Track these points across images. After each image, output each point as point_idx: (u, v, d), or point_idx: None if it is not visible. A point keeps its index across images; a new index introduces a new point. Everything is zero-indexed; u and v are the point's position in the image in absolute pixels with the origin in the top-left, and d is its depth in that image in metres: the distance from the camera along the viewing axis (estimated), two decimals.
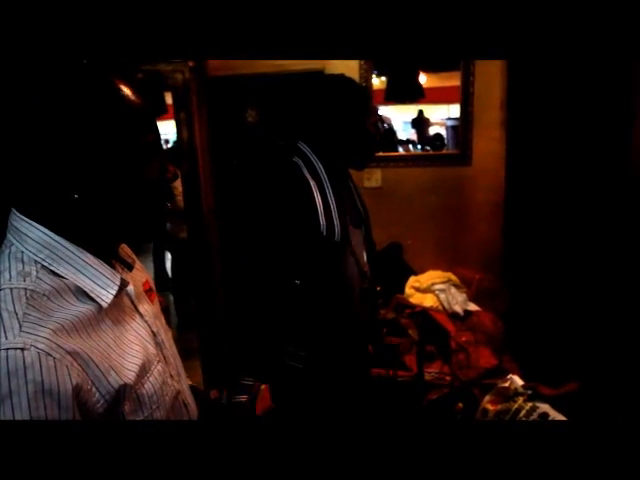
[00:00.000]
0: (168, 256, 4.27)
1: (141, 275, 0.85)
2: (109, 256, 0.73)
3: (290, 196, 1.32)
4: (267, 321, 1.46)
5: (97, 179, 0.65)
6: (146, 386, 0.68)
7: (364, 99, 1.42)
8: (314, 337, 1.37)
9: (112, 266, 0.72)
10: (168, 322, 0.94)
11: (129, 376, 0.65)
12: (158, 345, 0.77)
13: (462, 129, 2.65)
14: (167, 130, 5.32)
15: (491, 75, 2.56)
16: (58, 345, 0.57)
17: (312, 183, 1.32)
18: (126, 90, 0.67)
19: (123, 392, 0.64)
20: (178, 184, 2.82)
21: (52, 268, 0.64)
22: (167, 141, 6.07)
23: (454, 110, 4.12)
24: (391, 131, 5.18)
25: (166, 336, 0.83)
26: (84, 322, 0.63)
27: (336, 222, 1.33)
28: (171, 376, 0.78)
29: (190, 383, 0.95)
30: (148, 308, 0.79)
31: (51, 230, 0.65)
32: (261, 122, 2.73)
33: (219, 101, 2.73)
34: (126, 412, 0.65)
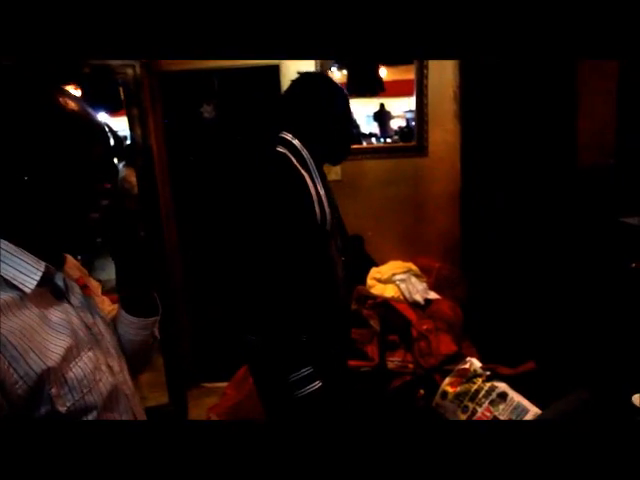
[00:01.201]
0: None
1: (74, 272, 0.86)
2: (40, 250, 0.73)
3: (285, 186, 1.33)
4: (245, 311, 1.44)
5: (23, 183, 0.68)
6: (74, 370, 0.69)
7: (348, 99, 1.48)
8: (311, 323, 1.37)
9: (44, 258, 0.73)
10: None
11: (53, 358, 0.66)
12: (93, 336, 0.78)
13: (417, 121, 2.69)
14: (124, 126, 5.16)
15: (444, 68, 2.61)
16: None
17: (303, 173, 1.35)
18: (67, 106, 0.71)
19: (47, 375, 0.65)
20: (133, 182, 2.75)
21: None
22: (125, 137, 5.90)
23: (412, 103, 4.18)
24: (354, 125, 5.20)
25: (107, 330, 0.84)
26: (3, 307, 0.64)
27: (327, 211, 1.37)
28: (110, 367, 0.79)
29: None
30: (83, 300, 0.80)
31: None
32: (217, 117, 2.69)
33: (173, 96, 2.68)
34: (53, 395, 0.65)
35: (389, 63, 4.29)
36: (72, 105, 0.72)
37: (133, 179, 2.99)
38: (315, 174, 1.39)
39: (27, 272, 0.69)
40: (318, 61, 2.61)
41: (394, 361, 2.16)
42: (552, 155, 2.57)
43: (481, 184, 2.60)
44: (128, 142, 3.69)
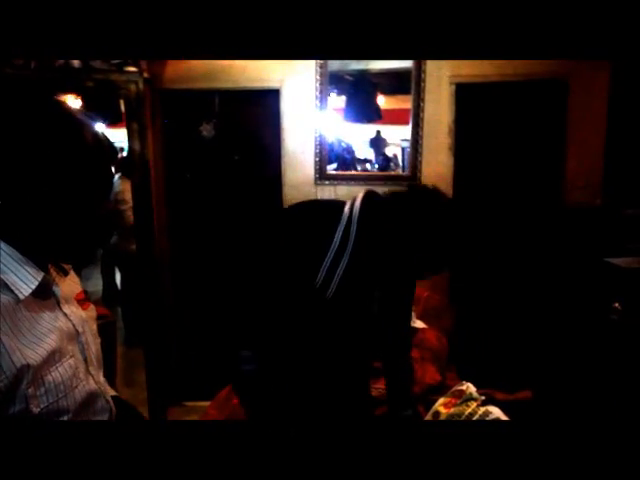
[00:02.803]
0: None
1: (75, 286, 0.91)
2: (43, 259, 0.79)
3: (295, 237, 1.32)
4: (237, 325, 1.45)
5: (30, 196, 0.73)
6: (53, 374, 0.73)
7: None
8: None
9: (47, 268, 0.80)
10: (117, 337, 0.99)
11: (34, 357, 0.70)
12: (80, 344, 0.84)
13: (412, 151, 2.75)
14: (122, 137, 5.19)
15: (440, 101, 2.67)
16: None
17: (322, 233, 1.29)
18: (78, 126, 0.75)
19: (26, 372, 0.69)
20: (128, 197, 2.76)
21: None
22: (122, 149, 5.91)
23: (408, 132, 4.25)
24: (349, 150, 5.27)
25: (94, 341, 0.89)
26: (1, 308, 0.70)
27: (334, 280, 1.27)
28: (91, 375, 0.84)
29: (114, 394, 1.00)
30: (76, 312, 0.85)
31: None
32: (216, 136, 2.73)
33: (173, 114, 2.71)
34: (29, 395, 0.69)
35: (389, 91, 4.38)
36: (79, 117, 0.76)
37: (128, 192, 3.01)
38: (348, 244, 1.24)
39: (25, 280, 0.74)
40: (317, 86, 2.67)
41: (378, 388, 2.15)
42: (540, 193, 2.64)
43: (470, 218, 2.64)
44: (124, 154, 3.72)
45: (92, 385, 0.83)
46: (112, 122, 3.99)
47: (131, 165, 2.49)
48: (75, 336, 0.83)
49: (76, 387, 0.78)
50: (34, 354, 0.71)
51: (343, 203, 1.31)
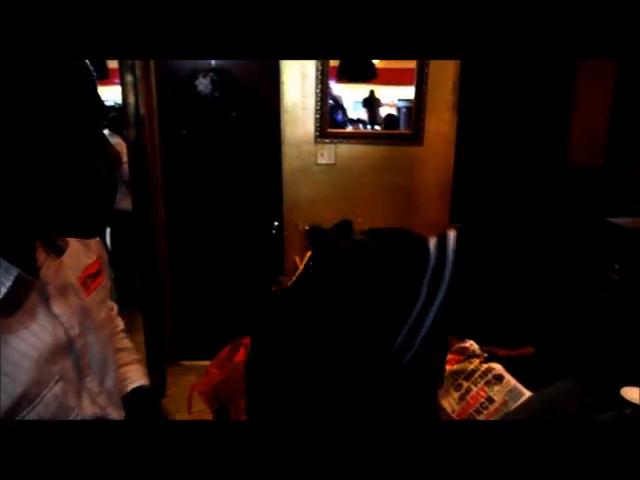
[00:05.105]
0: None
1: (84, 258, 0.72)
2: (27, 239, 0.60)
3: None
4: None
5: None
6: (29, 416, 0.55)
7: None
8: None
9: (34, 249, 0.61)
10: (110, 297, 0.83)
11: None
12: (73, 352, 0.63)
13: (416, 109, 2.69)
14: (107, 96, 5.07)
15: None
16: None
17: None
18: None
19: None
20: (124, 150, 2.68)
21: None
22: (112, 107, 5.76)
23: (404, 92, 4.17)
24: (342, 108, 5.18)
25: (97, 337, 0.69)
26: None
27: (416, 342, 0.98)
28: (88, 392, 0.66)
29: (140, 383, 0.87)
30: (74, 304, 0.65)
31: None
32: (213, 92, 2.63)
33: (168, 68, 2.60)
34: None
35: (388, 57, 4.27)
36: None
37: (120, 146, 2.92)
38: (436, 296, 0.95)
39: None
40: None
41: None
42: (544, 152, 2.62)
43: (473, 177, 2.62)
44: (113, 114, 3.60)
45: (87, 410, 0.64)
46: (99, 78, 3.83)
47: (123, 121, 2.39)
48: (66, 346, 0.62)
49: (69, 417, 0.60)
50: None
51: (421, 239, 1.00)
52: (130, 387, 0.87)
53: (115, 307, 0.95)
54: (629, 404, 1.15)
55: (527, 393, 1.47)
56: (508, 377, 1.55)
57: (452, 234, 0.96)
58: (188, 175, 2.75)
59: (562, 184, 2.48)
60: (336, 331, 0.93)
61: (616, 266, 2.08)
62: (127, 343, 0.96)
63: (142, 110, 2.37)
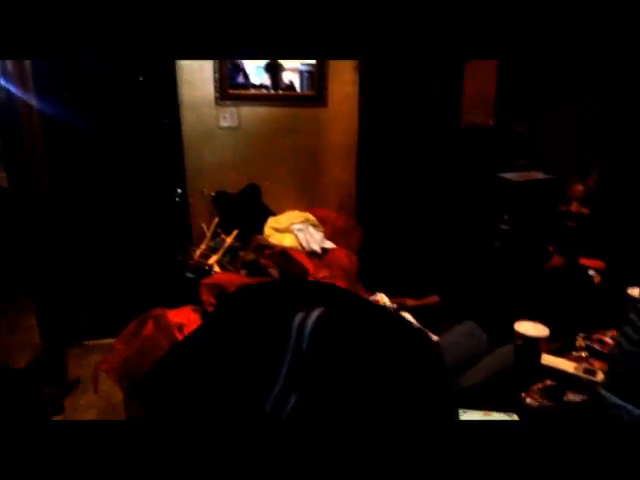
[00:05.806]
0: None
1: None
2: None
3: None
4: None
5: None
6: None
7: None
8: None
9: None
10: None
11: None
12: None
13: (317, 72, 2.66)
14: None
15: None
16: None
17: None
18: None
19: None
20: None
21: None
22: None
23: None
24: (242, 71, 5.02)
25: None
26: None
27: None
28: None
29: None
30: None
31: None
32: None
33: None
34: None
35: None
36: None
37: None
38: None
39: None
40: None
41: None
42: (440, 114, 2.74)
43: (377, 137, 2.68)
44: None
45: None
46: None
47: None
48: None
49: None
50: None
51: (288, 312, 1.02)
52: None
53: None
54: (521, 336, 1.26)
55: (433, 338, 1.55)
56: (417, 325, 1.63)
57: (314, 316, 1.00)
58: (76, 144, 2.49)
59: (456, 142, 2.63)
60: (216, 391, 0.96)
61: (505, 217, 2.25)
62: None
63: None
